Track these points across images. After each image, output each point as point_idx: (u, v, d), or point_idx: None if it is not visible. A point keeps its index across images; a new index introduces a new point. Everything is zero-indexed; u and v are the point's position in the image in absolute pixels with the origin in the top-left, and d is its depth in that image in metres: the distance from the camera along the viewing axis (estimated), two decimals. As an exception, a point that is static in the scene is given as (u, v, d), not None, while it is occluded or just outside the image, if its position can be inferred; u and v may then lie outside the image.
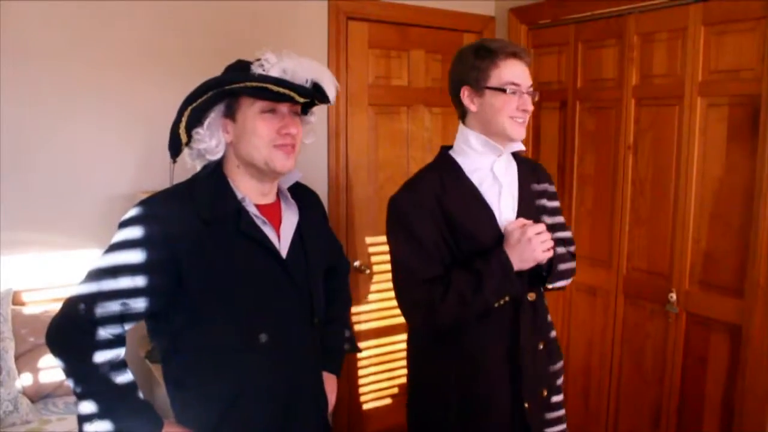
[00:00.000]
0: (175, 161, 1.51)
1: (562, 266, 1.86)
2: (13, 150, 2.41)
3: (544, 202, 1.95)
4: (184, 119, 1.46)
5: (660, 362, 2.79)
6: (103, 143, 2.58)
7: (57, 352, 1.42)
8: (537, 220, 1.83)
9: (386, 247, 3.42)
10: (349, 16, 3.10)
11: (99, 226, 2.58)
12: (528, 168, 1.94)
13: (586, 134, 3.08)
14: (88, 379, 1.39)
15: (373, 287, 3.34)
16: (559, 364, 1.96)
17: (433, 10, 3.32)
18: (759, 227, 2.37)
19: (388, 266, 3.38)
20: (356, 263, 3.26)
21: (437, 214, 1.74)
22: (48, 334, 1.42)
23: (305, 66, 1.45)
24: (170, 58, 2.68)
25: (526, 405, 1.80)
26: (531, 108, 1.77)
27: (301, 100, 1.46)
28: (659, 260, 2.77)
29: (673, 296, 2.69)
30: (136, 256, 1.39)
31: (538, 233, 1.70)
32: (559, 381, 1.97)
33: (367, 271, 3.28)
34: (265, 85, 1.40)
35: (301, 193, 1.66)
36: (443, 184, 1.78)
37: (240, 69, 1.49)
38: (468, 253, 1.75)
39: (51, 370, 2.29)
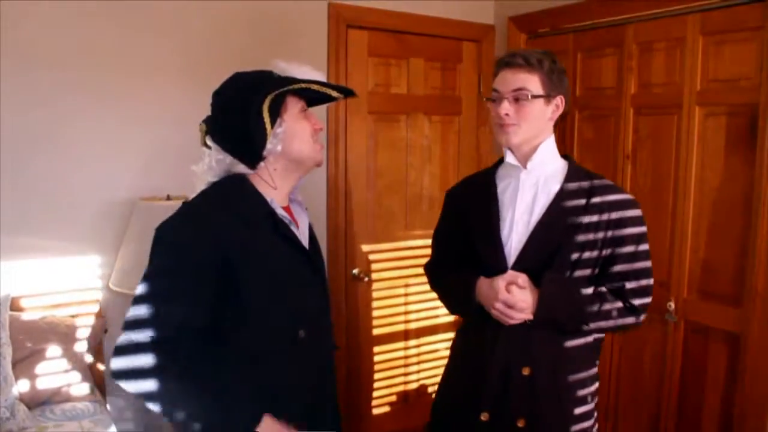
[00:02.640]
0: (262, 160, 1.52)
1: (588, 310, 1.73)
2: (11, 155, 2.41)
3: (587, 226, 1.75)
4: (266, 108, 1.46)
5: (658, 371, 2.78)
6: (102, 149, 2.58)
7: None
8: (552, 244, 1.74)
9: (386, 255, 3.44)
10: (348, 24, 3.11)
11: (98, 232, 2.58)
12: (579, 188, 1.78)
13: (585, 143, 3.08)
14: (129, 387, 1.42)
15: (372, 294, 3.34)
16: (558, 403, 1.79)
17: (432, 19, 3.33)
18: (757, 236, 2.37)
19: (389, 274, 3.42)
20: (355, 271, 3.25)
21: (457, 212, 1.95)
22: None
23: (305, 71, 1.58)
24: (169, 64, 2.69)
25: (483, 418, 1.78)
26: (502, 112, 1.74)
27: (336, 95, 1.61)
28: (658, 269, 2.72)
29: (672, 305, 2.69)
30: (186, 260, 1.42)
31: (503, 306, 1.70)
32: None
33: (366, 279, 3.28)
34: (313, 86, 1.55)
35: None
36: (474, 186, 1.94)
37: (268, 77, 1.54)
38: (469, 252, 1.87)
39: (48, 376, 2.29)
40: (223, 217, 1.46)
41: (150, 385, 1.38)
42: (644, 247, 1.79)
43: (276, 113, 1.48)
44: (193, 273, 1.42)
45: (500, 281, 1.71)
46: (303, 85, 1.52)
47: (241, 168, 1.53)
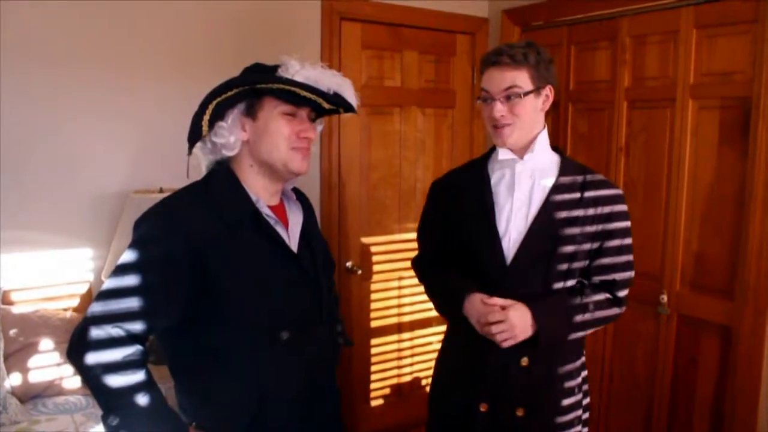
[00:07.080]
0: (190, 153, 1.51)
1: (580, 318, 1.78)
2: (2, 150, 2.38)
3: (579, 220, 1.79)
4: (208, 112, 1.46)
5: (651, 363, 2.80)
6: (95, 142, 2.56)
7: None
8: (551, 236, 1.75)
9: (379, 248, 3.43)
10: (342, 17, 3.10)
11: (89, 225, 2.57)
12: (574, 182, 1.81)
13: (579, 136, 3.09)
14: (84, 381, 1.39)
15: (366, 288, 3.34)
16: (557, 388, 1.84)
17: (426, 11, 3.32)
18: (749, 229, 2.38)
19: (382, 267, 3.41)
20: (348, 264, 3.25)
21: (447, 203, 1.91)
22: None
23: (328, 76, 1.52)
24: (162, 58, 2.67)
25: (482, 408, 1.79)
26: (496, 114, 1.72)
27: (327, 106, 1.52)
28: (650, 262, 2.78)
29: (664, 298, 2.70)
30: (158, 253, 1.39)
31: (491, 324, 1.69)
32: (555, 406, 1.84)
33: (359, 272, 3.27)
34: (294, 89, 1.45)
35: (297, 195, 1.69)
36: (465, 178, 1.90)
37: (262, 71, 1.51)
38: (462, 246, 1.85)
39: (40, 370, 2.28)
40: (199, 213, 1.43)
41: (103, 382, 1.34)
42: (628, 241, 1.84)
43: (222, 110, 1.45)
44: (161, 268, 1.38)
45: (489, 304, 1.72)
46: (279, 86, 1.45)
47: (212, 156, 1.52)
